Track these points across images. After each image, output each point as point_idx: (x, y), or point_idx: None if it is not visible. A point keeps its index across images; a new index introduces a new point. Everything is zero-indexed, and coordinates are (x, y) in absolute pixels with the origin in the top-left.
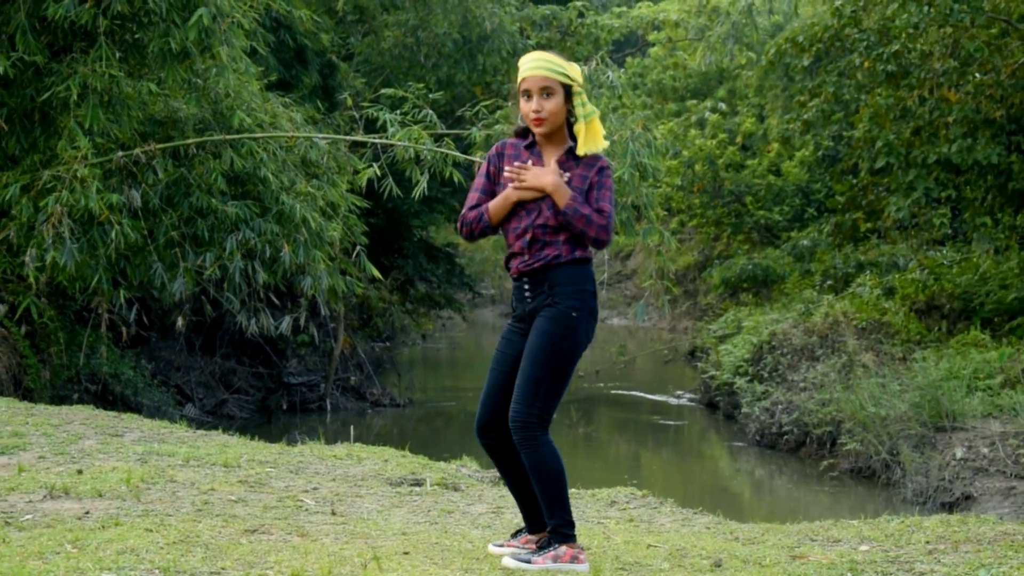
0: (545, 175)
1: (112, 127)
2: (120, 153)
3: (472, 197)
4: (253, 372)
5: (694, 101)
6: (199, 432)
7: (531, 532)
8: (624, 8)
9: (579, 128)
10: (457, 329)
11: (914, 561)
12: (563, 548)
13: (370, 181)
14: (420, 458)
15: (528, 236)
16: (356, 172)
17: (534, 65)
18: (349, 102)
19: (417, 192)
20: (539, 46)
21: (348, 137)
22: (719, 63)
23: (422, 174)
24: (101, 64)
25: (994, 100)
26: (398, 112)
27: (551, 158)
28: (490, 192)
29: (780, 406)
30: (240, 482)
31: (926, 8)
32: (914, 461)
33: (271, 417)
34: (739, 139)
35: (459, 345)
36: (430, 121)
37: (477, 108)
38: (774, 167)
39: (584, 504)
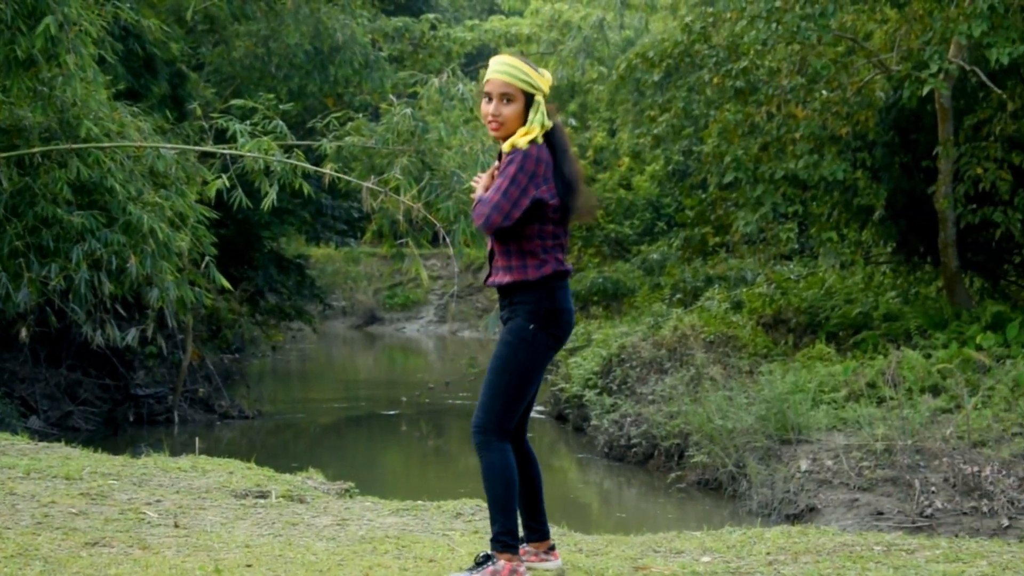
0: (479, 188)
1: None
2: None
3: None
4: (100, 384)
5: None
6: (41, 444)
7: (530, 543)
8: (476, 21)
9: (519, 130)
10: (307, 341)
11: (754, 572)
12: (502, 563)
13: (220, 192)
14: (266, 470)
15: (488, 249)
16: (205, 183)
17: (499, 69)
18: (199, 112)
19: (267, 204)
20: (391, 58)
21: (197, 147)
22: (571, 77)
23: (271, 185)
24: None
25: (840, 117)
26: (248, 123)
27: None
28: None
29: (629, 419)
30: (82, 495)
31: (774, 25)
32: (760, 473)
33: (118, 429)
34: (590, 153)
35: (309, 357)
36: (280, 132)
37: (328, 119)
38: (625, 181)
39: (430, 516)
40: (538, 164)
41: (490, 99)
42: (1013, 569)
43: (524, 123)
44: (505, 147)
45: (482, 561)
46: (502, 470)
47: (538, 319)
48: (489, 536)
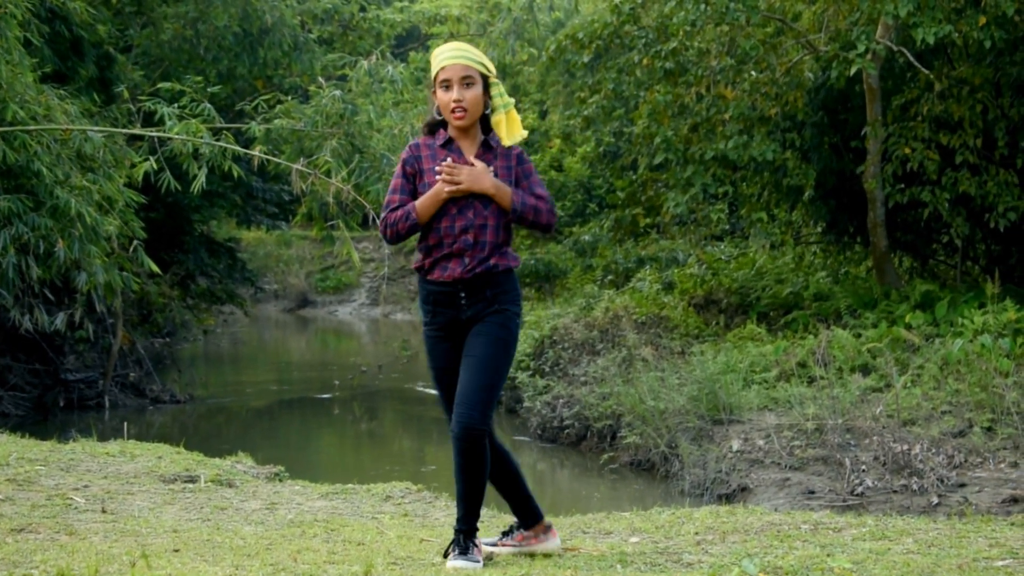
0: (483, 178)
1: None
2: None
3: (392, 199)
4: (29, 369)
5: None
6: None
7: (526, 528)
8: (406, 3)
9: (499, 119)
10: (239, 324)
11: (682, 552)
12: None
13: (148, 175)
14: (195, 455)
15: (470, 237)
16: (133, 166)
17: (453, 54)
18: (126, 95)
19: (196, 186)
20: (320, 40)
21: (125, 130)
22: (501, 59)
23: (200, 168)
24: None
25: (769, 98)
26: (176, 105)
27: (470, 154)
28: (410, 193)
29: (561, 400)
30: (8, 480)
31: (703, 6)
32: (692, 454)
33: (48, 415)
34: None
35: (241, 340)
36: (209, 115)
37: (257, 102)
38: (556, 163)
39: (359, 499)
40: None
41: (449, 87)
42: (938, 546)
43: (484, 107)
44: (508, 141)
45: (465, 544)
46: (487, 468)
47: (520, 307)
48: (465, 527)
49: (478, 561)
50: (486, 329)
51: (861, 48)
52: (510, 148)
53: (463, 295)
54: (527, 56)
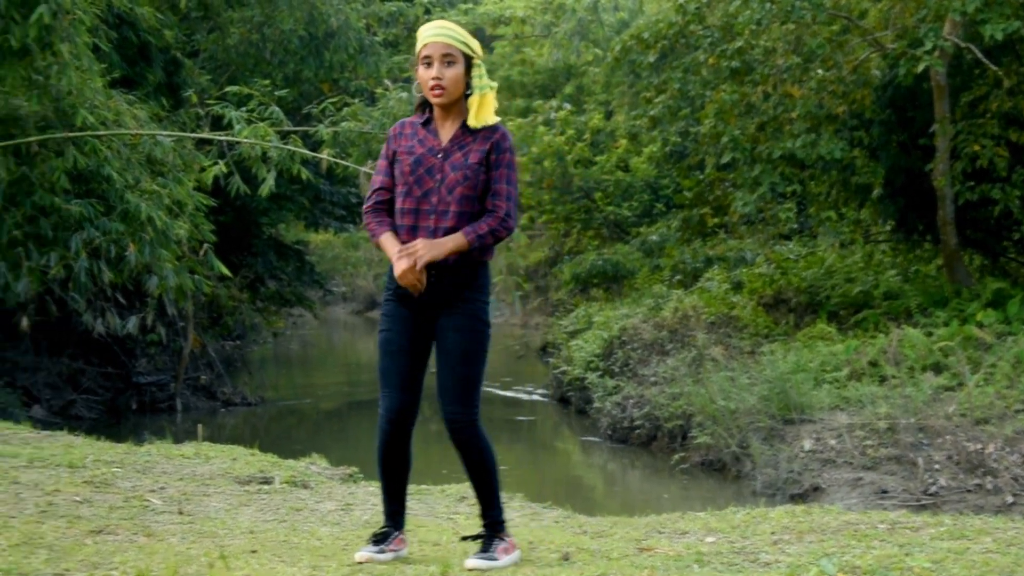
0: (435, 247)
1: None
2: None
3: (376, 180)
4: (102, 372)
5: (540, 101)
6: (44, 433)
7: (398, 528)
8: (471, 5)
9: (472, 100)
10: (308, 327)
11: (759, 551)
12: (507, 541)
13: (217, 179)
14: (270, 456)
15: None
16: (202, 170)
17: (436, 32)
18: (194, 99)
19: (264, 190)
20: (386, 43)
21: (193, 135)
22: (566, 60)
23: (269, 171)
24: None
25: (836, 96)
26: (244, 109)
27: (447, 133)
28: (392, 174)
29: (631, 400)
30: (85, 483)
31: (769, 5)
32: (763, 453)
33: (120, 417)
34: (587, 136)
35: (311, 343)
36: (276, 118)
37: (324, 105)
38: (622, 163)
39: (434, 500)
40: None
41: (430, 64)
42: (1018, 545)
43: (465, 87)
44: (474, 123)
45: (488, 545)
46: (492, 456)
47: (487, 297)
48: (486, 520)
49: (495, 559)
50: (456, 323)
51: (928, 45)
52: (493, 131)
53: (432, 274)
54: (592, 57)
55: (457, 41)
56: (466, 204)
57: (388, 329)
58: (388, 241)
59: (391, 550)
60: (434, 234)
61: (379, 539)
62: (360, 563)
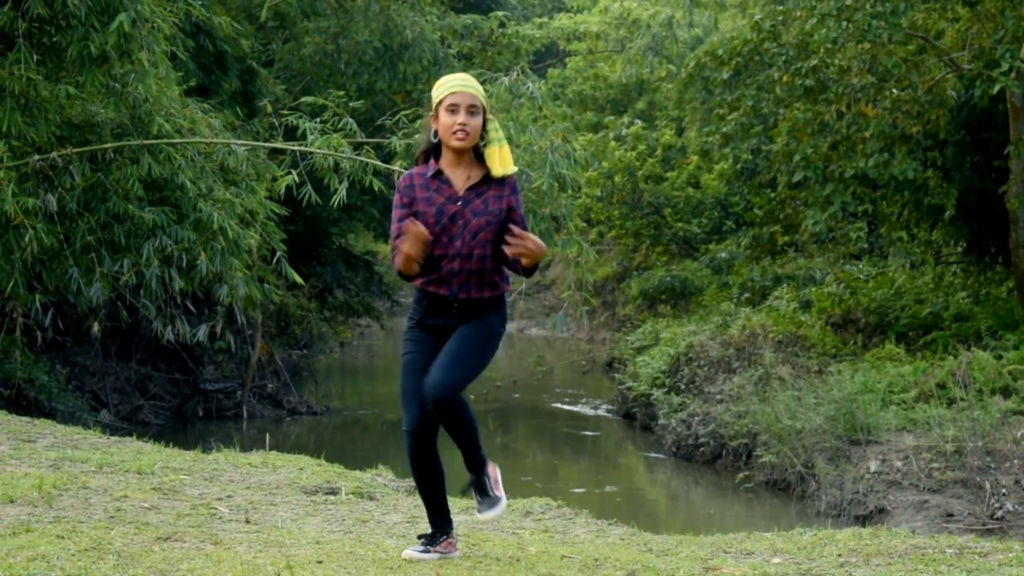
0: (543, 247)
1: (29, 130)
2: (36, 156)
3: (395, 228)
4: (169, 378)
5: (612, 117)
6: (113, 438)
7: (446, 533)
8: (545, 19)
9: (492, 151)
10: (375, 337)
11: (826, 574)
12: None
13: (289, 188)
14: (336, 467)
15: (456, 265)
16: (275, 179)
17: (464, 84)
18: (269, 109)
19: (336, 200)
20: (460, 56)
21: (267, 144)
22: (639, 75)
23: (341, 182)
24: (19, 67)
25: (911, 116)
26: (318, 120)
27: (460, 181)
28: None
29: (697, 418)
30: (154, 489)
31: (844, 24)
32: (829, 474)
33: (187, 424)
34: (659, 152)
35: (377, 353)
36: (350, 129)
37: (397, 117)
38: (693, 180)
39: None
40: None
41: (455, 111)
42: None
43: (481, 137)
44: (499, 171)
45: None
46: (472, 413)
47: (504, 324)
48: (474, 471)
49: (500, 498)
50: (468, 327)
51: (1005, 66)
52: (503, 178)
53: (456, 306)
54: (665, 72)
55: (481, 95)
56: (488, 248)
57: (411, 352)
58: (400, 261)
59: (437, 551)
60: (459, 276)
61: (426, 540)
62: (407, 560)
